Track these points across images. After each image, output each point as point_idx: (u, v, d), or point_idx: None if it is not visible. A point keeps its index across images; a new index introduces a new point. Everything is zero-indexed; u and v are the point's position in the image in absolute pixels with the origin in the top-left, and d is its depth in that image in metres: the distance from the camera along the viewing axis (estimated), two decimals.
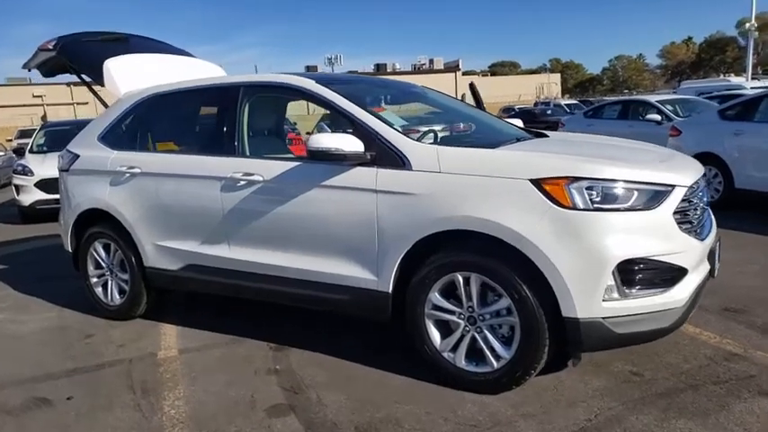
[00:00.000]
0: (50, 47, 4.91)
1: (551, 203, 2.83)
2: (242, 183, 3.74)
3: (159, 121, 4.49)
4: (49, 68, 5.31)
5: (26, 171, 10.08)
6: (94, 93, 5.23)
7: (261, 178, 3.66)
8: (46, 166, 10.06)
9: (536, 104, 35.25)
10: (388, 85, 4.61)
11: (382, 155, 3.28)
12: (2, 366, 3.93)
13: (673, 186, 2.96)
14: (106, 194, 4.44)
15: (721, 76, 47.39)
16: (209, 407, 3.20)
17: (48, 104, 43.41)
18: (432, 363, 3.23)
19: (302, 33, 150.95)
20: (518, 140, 3.72)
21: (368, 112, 3.46)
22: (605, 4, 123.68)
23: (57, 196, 9.85)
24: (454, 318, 3.15)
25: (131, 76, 4.86)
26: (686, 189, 3.02)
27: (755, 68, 65.54)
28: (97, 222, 4.63)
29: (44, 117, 39.94)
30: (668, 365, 3.35)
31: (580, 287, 2.78)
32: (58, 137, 11.59)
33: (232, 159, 3.84)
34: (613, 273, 2.79)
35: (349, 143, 3.26)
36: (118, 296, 4.64)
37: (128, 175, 4.32)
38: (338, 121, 3.84)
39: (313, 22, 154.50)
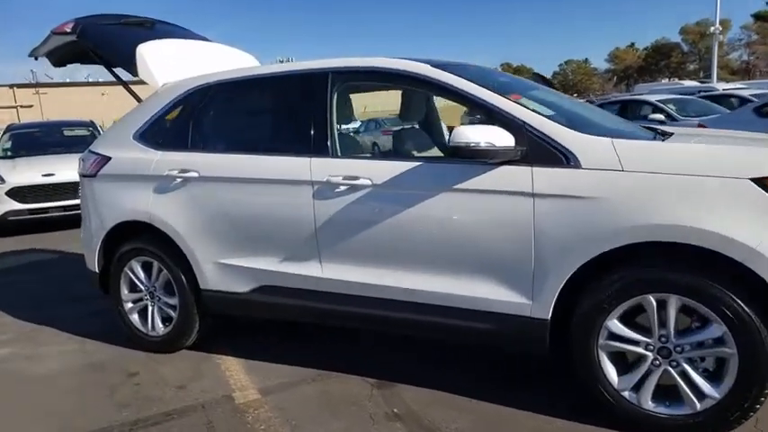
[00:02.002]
0: (68, 30, 4.12)
1: None
2: (342, 188, 3.09)
3: (220, 116, 3.77)
4: (62, 56, 4.50)
5: None
6: (125, 84, 4.46)
7: (369, 182, 3.02)
8: (18, 173, 9.07)
9: None
10: (494, 73, 4.02)
11: (536, 150, 2.70)
12: (39, 420, 3.16)
13: None
14: (150, 203, 3.70)
15: (664, 80, 48.63)
16: None
17: None
18: (606, 403, 2.66)
19: (252, 35, 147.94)
20: (663, 135, 3.20)
21: (508, 99, 2.88)
22: (553, 10, 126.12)
23: (31, 206, 8.99)
24: (639, 349, 2.59)
25: (167, 63, 4.12)
26: None
27: (697, 73, 67.84)
28: (135, 237, 3.88)
29: None
30: None
31: None
32: (26, 140, 10.60)
33: (327, 160, 3.18)
34: None
35: (499, 136, 2.67)
36: (161, 324, 3.90)
37: (180, 180, 3.60)
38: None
39: (264, 24, 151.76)
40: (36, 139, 10.67)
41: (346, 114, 3.51)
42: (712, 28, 26.97)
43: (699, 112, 11.59)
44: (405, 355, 3.65)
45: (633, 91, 33.14)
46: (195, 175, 3.54)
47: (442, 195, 2.85)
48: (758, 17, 67.89)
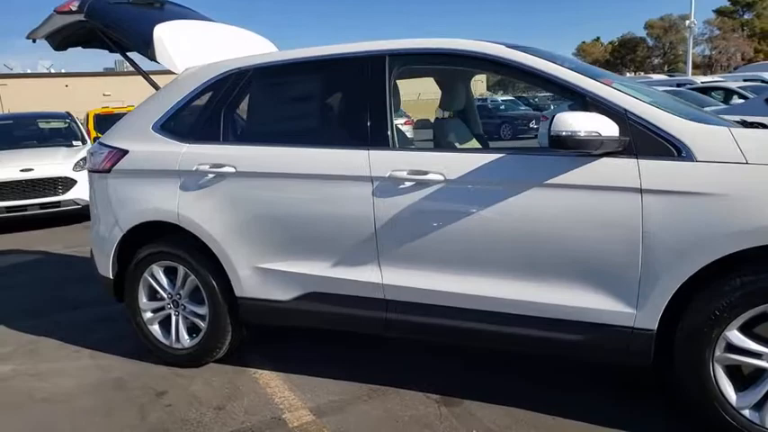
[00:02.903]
0: (73, 8, 3.69)
1: None
2: (408, 184, 2.77)
3: (259, 104, 3.39)
4: (66, 38, 4.04)
5: None
6: (139, 68, 4.03)
7: (441, 177, 2.70)
8: None
9: None
10: (564, 57, 3.70)
11: (641, 140, 2.41)
12: None
13: None
14: (176, 202, 3.31)
15: (629, 74, 48.95)
16: None
17: None
18: (722, 423, 2.40)
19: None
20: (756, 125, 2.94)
21: (604, 84, 2.58)
22: (518, 3, 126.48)
23: (8, 203, 8.37)
24: (761, 362, 2.33)
25: (186, 47, 3.73)
26: None
27: (662, 67, 68.74)
28: (156, 239, 3.49)
29: None
30: None
31: None
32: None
33: (389, 153, 2.85)
34: None
35: (603, 125, 2.38)
36: (187, 336, 3.51)
37: (212, 176, 3.22)
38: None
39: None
40: (9, 132, 10.00)
41: (398, 102, 3.17)
42: (687, 21, 27.20)
43: (695, 105, 11.49)
44: (465, 363, 3.35)
45: None
46: (231, 170, 3.16)
47: (531, 192, 2.54)
48: (720, 13, 69.38)
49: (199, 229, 3.26)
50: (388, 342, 3.47)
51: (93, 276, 3.81)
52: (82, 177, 8.61)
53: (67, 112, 10.87)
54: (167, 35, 3.65)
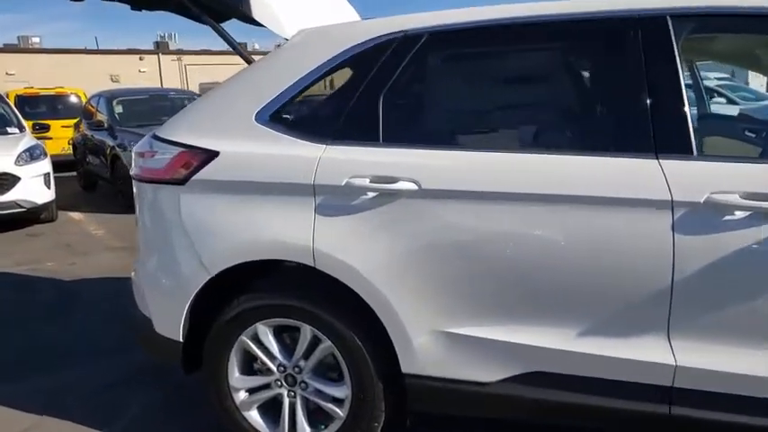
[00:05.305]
0: None
1: None
2: (740, 215, 1.79)
3: (447, 87, 2.28)
4: None
5: None
6: (224, 34, 2.78)
7: None
8: None
9: None
10: None
11: None
12: None
13: None
14: (310, 232, 2.17)
15: None
16: None
17: None
18: None
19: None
20: None
21: None
22: None
23: None
24: None
25: (293, 2, 2.59)
26: None
27: None
28: (258, 286, 2.35)
29: None
30: None
31: None
32: None
33: (699, 165, 1.87)
34: None
35: None
36: (309, 428, 2.38)
37: (374, 194, 2.10)
38: None
39: None
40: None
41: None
42: None
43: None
44: None
45: None
46: (411, 186, 2.05)
47: None
48: None
49: (350, 274, 2.14)
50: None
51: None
52: (26, 173, 7.06)
53: None
54: None
